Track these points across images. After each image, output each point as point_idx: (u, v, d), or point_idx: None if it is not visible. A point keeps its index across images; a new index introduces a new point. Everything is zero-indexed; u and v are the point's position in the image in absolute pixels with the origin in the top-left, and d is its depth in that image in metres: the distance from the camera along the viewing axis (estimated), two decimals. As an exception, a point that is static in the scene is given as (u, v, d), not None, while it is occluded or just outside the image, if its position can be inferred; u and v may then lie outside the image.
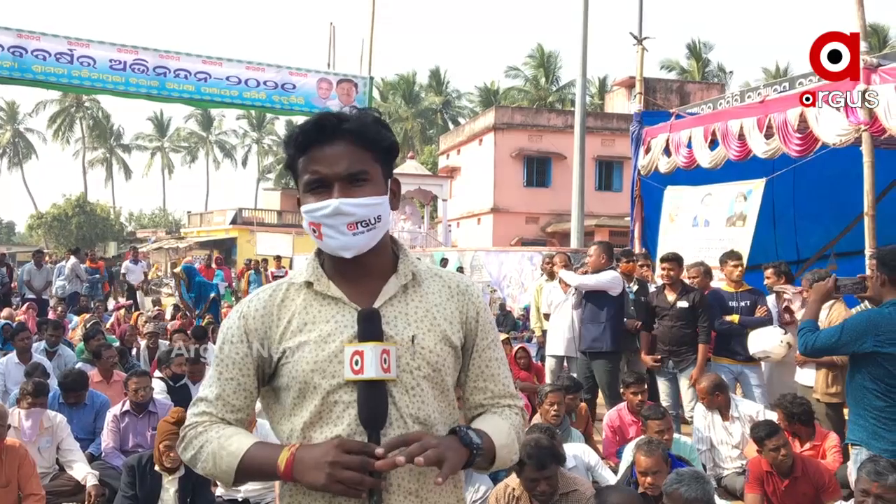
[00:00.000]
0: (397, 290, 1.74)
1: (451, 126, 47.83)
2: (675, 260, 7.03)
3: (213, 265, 18.26)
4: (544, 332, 8.45)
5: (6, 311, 11.39)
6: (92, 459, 5.80)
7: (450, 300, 1.80)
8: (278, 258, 20.07)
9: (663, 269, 7.08)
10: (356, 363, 1.61)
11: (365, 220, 1.66)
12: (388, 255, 1.79)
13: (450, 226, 31.11)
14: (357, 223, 1.65)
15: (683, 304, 6.78)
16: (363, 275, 1.74)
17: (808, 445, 5.32)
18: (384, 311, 1.69)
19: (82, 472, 5.41)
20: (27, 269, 14.08)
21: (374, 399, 1.62)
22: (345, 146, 1.67)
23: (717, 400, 5.78)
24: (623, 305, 7.18)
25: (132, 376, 6.13)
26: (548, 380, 7.54)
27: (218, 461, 1.67)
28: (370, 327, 1.64)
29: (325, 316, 1.70)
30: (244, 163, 66.60)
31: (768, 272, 7.25)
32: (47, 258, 14.98)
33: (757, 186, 8.49)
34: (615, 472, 5.31)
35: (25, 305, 12.03)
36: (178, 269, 14.44)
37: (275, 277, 17.54)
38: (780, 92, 8.33)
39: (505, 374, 1.87)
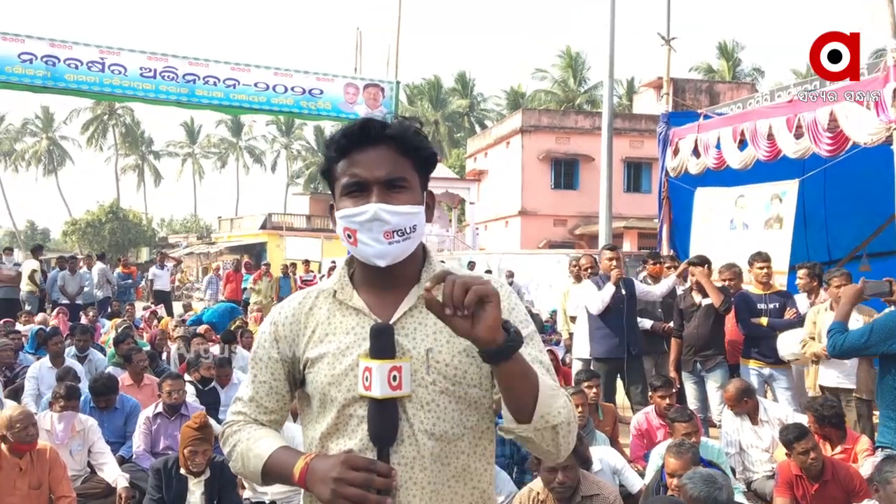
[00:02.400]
0: (417, 300, 1.70)
1: (478, 129, 47.83)
2: (704, 263, 6.99)
3: (243, 270, 18.44)
4: (571, 335, 8.41)
5: (40, 316, 11.58)
6: (122, 462, 5.87)
7: None
8: (307, 262, 20.18)
9: (690, 273, 7.03)
10: (366, 379, 1.59)
11: (401, 229, 1.64)
12: (417, 264, 1.76)
13: (477, 229, 31.10)
14: (394, 231, 1.63)
15: (709, 301, 6.72)
16: (391, 285, 1.72)
17: (838, 449, 5.23)
18: (403, 323, 1.68)
19: (113, 474, 5.48)
20: (61, 275, 14.29)
21: (382, 416, 1.60)
22: (386, 151, 1.66)
23: (746, 405, 5.71)
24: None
25: (167, 378, 6.23)
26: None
27: (246, 462, 1.73)
28: (379, 344, 1.60)
29: (346, 327, 1.70)
30: (273, 168, 67.31)
31: (801, 273, 7.15)
32: (81, 264, 15.16)
33: (791, 187, 8.38)
34: (642, 475, 5.27)
35: (57, 310, 12.21)
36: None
37: (303, 281, 17.67)
38: (810, 91, 8.21)
39: (547, 368, 1.72)
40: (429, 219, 1.76)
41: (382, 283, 1.72)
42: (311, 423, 1.74)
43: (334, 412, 1.66)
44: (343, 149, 1.69)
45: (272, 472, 1.68)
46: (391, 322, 1.67)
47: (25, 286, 13.84)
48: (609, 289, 7.04)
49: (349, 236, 1.67)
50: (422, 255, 1.78)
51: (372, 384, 1.58)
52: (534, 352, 1.71)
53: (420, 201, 1.71)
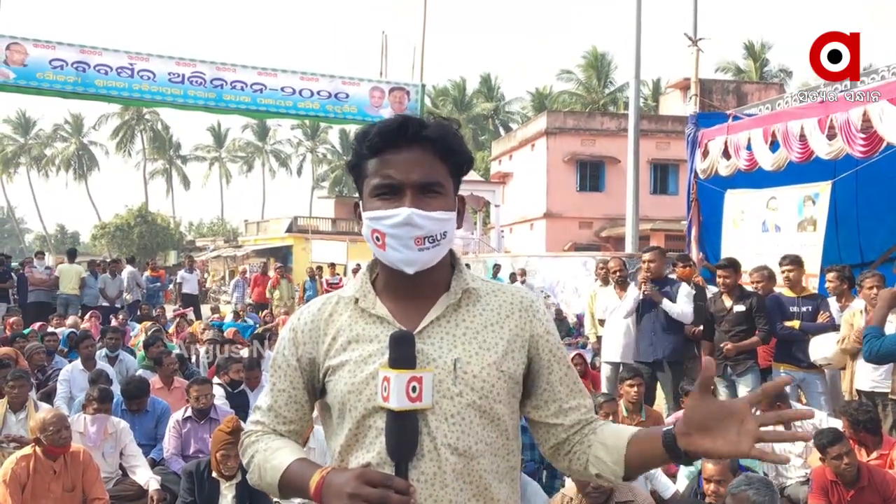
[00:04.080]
0: (446, 308, 1.63)
1: (502, 131, 47.75)
2: (730, 266, 6.91)
3: (275, 272, 18.54)
4: (599, 339, 8.35)
5: (71, 319, 11.72)
6: (153, 465, 5.93)
7: (509, 318, 1.67)
8: (332, 265, 20.25)
9: (719, 276, 6.96)
10: (385, 389, 1.52)
11: (432, 236, 1.57)
12: (445, 271, 1.68)
13: (502, 231, 31.04)
14: (425, 238, 1.56)
15: (740, 307, 6.66)
16: (416, 292, 1.65)
17: (874, 454, 5.14)
18: (430, 332, 1.61)
19: (145, 477, 5.53)
20: (101, 278, 14.48)
21: (401, 429, 1.52)
22: (423, 153, 1.58)
23: (778, 410, 5.63)
24: None
25: (194, 384, 6.26)
26: (603, 387, 7.46)
27: (263, 474, 1.68)
28: (399, 353, 1.53)
29: (369, 335, 1.63)
30: (299, 172, 67.56)
31: (831, 276, 7.05)
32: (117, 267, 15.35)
33: (823, 189, 8.29)
34: (674, 480, 5.22)
35: (89, 314, 12.36)
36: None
37: (329, 284, 17.74)
38: (841, 91, 8.10)
39: (582, 387, 1.76)
40: (459, 224, 1.69)
41: (408, 290, 1.65)
42: (332, 435, 1.69)
43: (353, 423, 1.60)
44: (376, 147, 1.60)
45: (289, 485, 1.62)
46: (417, 331, 1.60)
47: (72, 290, 14.11)
48: (633, 293, 7.10)
49: (377, 239, 1.60)
50: (450, 261, 1.70)
51: (389, 395, 1.51)
52: (573, 370, 1.76)
53: (453, 207, 1.64)
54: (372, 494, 1.44)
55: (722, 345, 6.74)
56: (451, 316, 1.64)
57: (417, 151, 1.58)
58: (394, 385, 1.50)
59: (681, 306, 6.86)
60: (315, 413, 1.83)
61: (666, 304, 6.88)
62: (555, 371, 1.69)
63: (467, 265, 1.78)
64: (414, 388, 1.51)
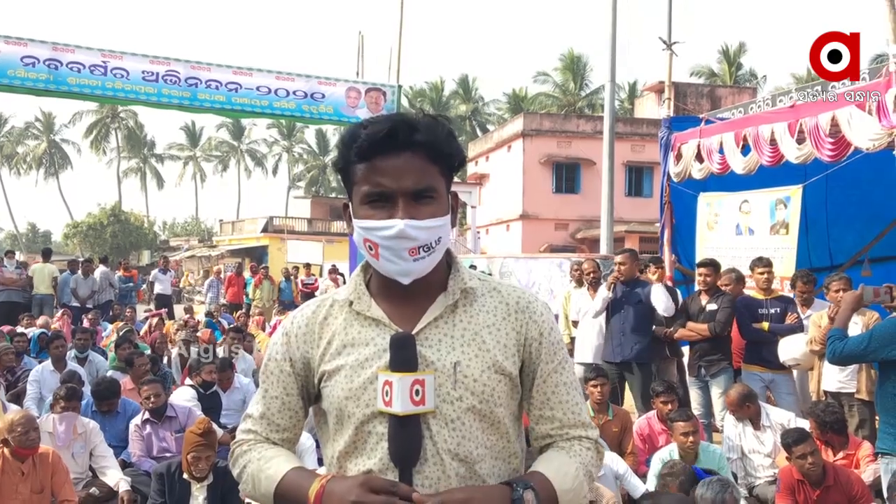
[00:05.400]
0: (444, 309, 1.59)
1: (479, 133, 47.83)
2: (710, 265, 7.00)
3: (245, 273, 18.45)
4: (572, 340, 8.40)
5: (42, 319, 11.57)
6: (124, 466, 5.88)
7: (506, 319, 1.62)
8: (308, 266, 20.17)
9: (699, 274, 7.04)
10: (386, 394, 1.48)
11: (427, 245, 1.52)
12: (441, 271, 1.62)
13: (479, 233, 31.09)
14: (419, 248, 1.51)
15: (713, 306, 6.74)
16: (412, 293, 1.59)
17: (841, 454, 5.24)
18: (427, 334, 1.57)
19: (115, 477, 5.49)
20: (73, 278, 14.32)
21: (404, 434, 1.49)
22: (413, 158, 1.51)
23: (748, 411, 5.71)
24: None
25: (143, 384, 6.20)
26: (576, 388, 7.51)
27: (257, 484, 1.62)
28: (400, 355, 1.49)
29: (365, 338, 1.58)
30: (275, 171, 67.39)
31: (800, 285, 7.10)
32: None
33: (794, 193, 8.38)
34: (644, 479, 5.27)
35: (60, 313, 12.21)
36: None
37: (304, 285, 17.67)
38: (813, 96, 8.21)
39: (576, 401, 1.67)
40: (454, 223, 1.64)
41: (403, 291, 1.59)
42: (329, 441, 1.64)
43: (352, 429, 1.56)
44: (365, 153, 1.53)
45: (285, 495, 1.56)
46: (414, 332, 1.55)
47: (46, 289, 14.01)
48: (602, 293, 7.20)
49: (370, 248, 1.54)
50: (446, 261, 1.65)
51: (392, 399, 1.47)
52: (565, 377, 1.67)
53: (447, 209, 1.59)
54: (377, 501, 1.41)
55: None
56: (449, 317, 1.60)
57: (408, 157, 1.52)
58: (397, 389, 1.46)
59: (663, 301, 6.94)
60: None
61: (653, 300, 6.95)
62: (538, 376, 1.64)
63: (473, 267, 1.75)
64: (417, 392, 1.47)
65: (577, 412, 1.67)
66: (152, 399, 5.99)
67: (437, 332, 1.57)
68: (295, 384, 1.66)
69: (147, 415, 6.05)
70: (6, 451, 4.70)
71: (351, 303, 1.63)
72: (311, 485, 1.50)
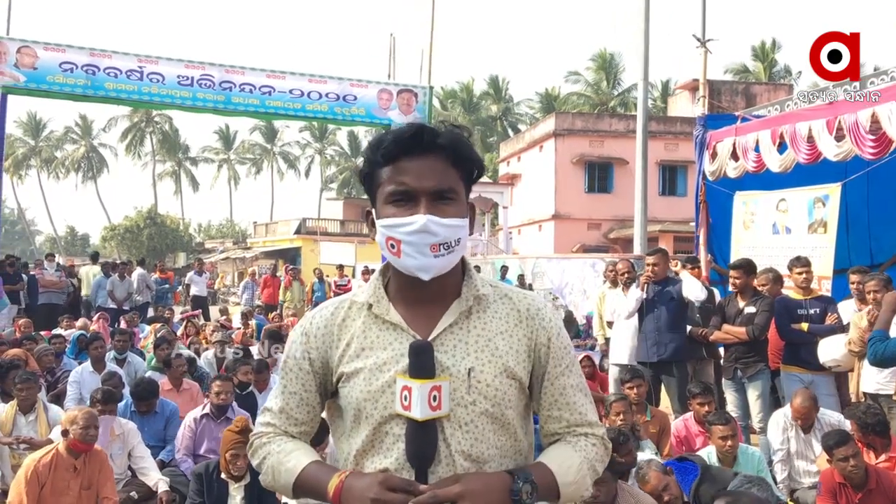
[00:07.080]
0: (458, 316, 1.66)
1: (510, 133, 47.72)
2: (742, 267, 6.88)
3: (280, 274, 18.58)
4: (607, 341, 8.34)
5: (81, 322, 11.75)
6: (162, 466, 5.95)
7: (517, 326, 1.70)
8: (341, 267, 20.28)
9: (731, 276, 6.94)
10: (405, 398, 1.55)
11: (447, 243, 1.58)
12: (456, 276, 1.70)
13: (511, 233, 31.05)
14: (440, 245, 1.57)
15: (751, 309, 6.62)
16: (428, 298, 1.66)
17: (883, 457, 5.12)
18: (443, 339, 1.63)
19: (154, 478, 5.56)
20: (110, 280, 14.53)
21: (422, 437, 1.56)
22: (436, 160, 1.60)
23: (814, 415, 5.61)
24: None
25: (216, 379, 6.34)
26: (611, 389, 7.45)
27: (276, 476, 1.69)
28: (419, 362, 1.56)
29: (383, 342, 1.65)
30: (307, 173, 67.71)
31: (854, 278, 6.94)
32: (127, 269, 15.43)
33: (833, 191, 8.24)
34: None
35: (97, 315, 12.39)
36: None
37: (337, 286, 17.76)
38: (851, 92, 8.06)
39: (582, 402, 1.75)
40: (470, 231, 1.72)
41: (420, 296, 1.66)
42: (345, 438, 1.71)
43: (369, 429, 1.62)
44: (390, 155, 1.62)
45: (304, 487, 1.64)
46: (430, 338, 1.62)
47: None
48: (635, 293, 7.12)
49: (392, 246, 1.60)
50: (461, 268, 1.72)
51: (412, 405, 1.54)
52: (572, 380, 1.74)
53: (465, 214, 1.66)
54: (395, 499, 1.47)
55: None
56: (463, 323, 1.66)
57: (431, 159, 1.60)
58: (416, 396, 1.53)
59: (695, 287, 6.88)
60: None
61: (685, 290, 6.88)
62: (546, 379, 1.71)
63: (476, 267, 1.79)
64: (434, 398, 1.54)
65: (583, 412, 1.74)
66: (222, 396, 6.09)
67: (453, 338, 1.64)
68: (313, 381, 1.73)
69: (208, 409, 6.13)
70: (61, 445, 4.78)
71: (370, 305, 1.69)
72: (331, 479, 1.57)
